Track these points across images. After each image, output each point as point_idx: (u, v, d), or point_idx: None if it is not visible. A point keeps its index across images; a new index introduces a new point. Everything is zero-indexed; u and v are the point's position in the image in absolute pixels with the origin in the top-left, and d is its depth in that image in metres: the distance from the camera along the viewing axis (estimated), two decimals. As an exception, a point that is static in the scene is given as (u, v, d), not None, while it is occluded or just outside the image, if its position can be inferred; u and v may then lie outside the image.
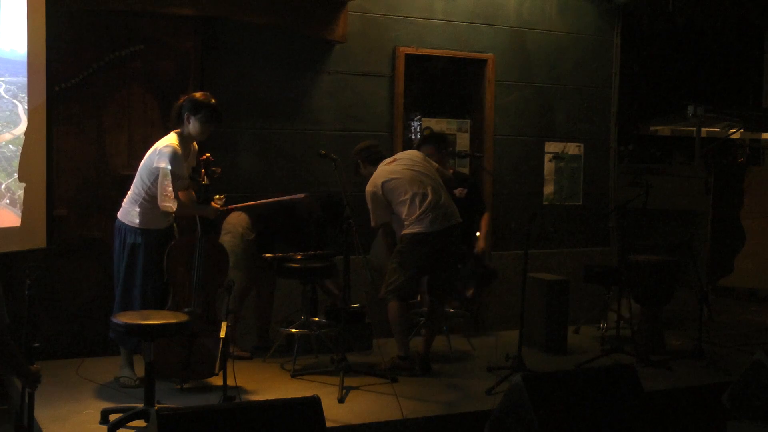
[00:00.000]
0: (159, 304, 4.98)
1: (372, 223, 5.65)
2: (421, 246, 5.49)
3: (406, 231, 5.53)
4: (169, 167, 4.84)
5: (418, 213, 5.47)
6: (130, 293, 5.00)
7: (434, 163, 5.80)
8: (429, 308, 5.79)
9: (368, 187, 5.64)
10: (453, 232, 5.58)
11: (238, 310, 5.66)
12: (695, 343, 6.17)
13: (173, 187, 4.87)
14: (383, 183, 5.57)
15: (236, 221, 5.72)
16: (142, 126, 6.02)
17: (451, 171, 6.29)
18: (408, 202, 5.50)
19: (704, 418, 5.29)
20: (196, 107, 4.98)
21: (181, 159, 4.95)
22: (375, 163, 5.79)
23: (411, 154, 5.78)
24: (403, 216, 5.53)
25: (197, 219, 5.08)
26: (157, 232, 5.04)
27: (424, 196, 5.49)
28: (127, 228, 5.01)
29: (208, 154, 5.09)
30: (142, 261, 4.98)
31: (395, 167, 5.63)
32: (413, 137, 6.16)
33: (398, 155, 5.82)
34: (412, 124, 6.16)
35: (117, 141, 5.94)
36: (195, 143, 5.19)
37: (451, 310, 6.36)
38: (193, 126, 5.00)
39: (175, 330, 4.46)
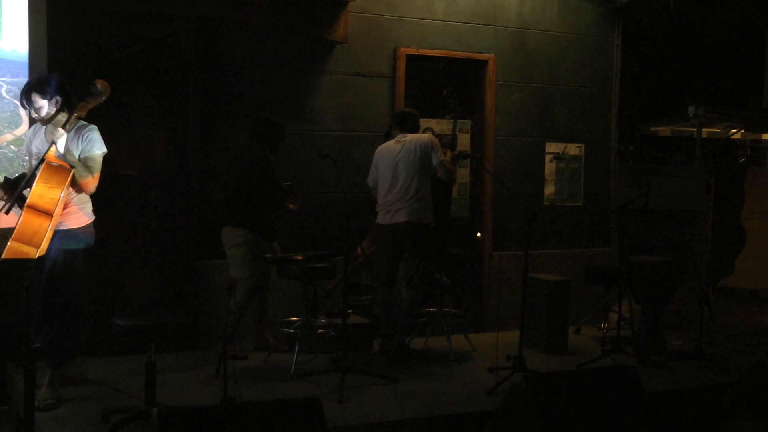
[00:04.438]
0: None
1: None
2: (379, 236, 5.79)
3: None
4: None
5: (378, 204, 5.73)
6: None
7: (441, 155, 5.68)
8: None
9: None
10: (401, 229, 5.61)
11: (243, 311, 5.64)
12: (695, 344, 6.16)
13: None
14: (375, 154, 5.83)
15: (225, 235, 5.69)
16: (142, 126, 6.01)
17: None
18: (380, 189, 5.72)
19: (704, 419, 5.29)
20: None
21: (30, 134, 4.77)
22: (397, 128, 5.85)
23: (410, 140, 5.73)
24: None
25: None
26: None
27: (389, 189, 5.65)
28: None
29: None
30: None
31: (388, 148, 5.77)
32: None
33: (406, 137, 5.76)
34: None
35: (117, 141, 5.91)
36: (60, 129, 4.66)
37: (452, 310, 6.35)
38: None
39: (175, 330, 4.45)
